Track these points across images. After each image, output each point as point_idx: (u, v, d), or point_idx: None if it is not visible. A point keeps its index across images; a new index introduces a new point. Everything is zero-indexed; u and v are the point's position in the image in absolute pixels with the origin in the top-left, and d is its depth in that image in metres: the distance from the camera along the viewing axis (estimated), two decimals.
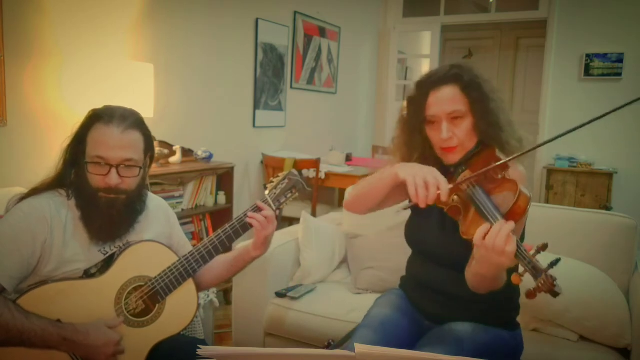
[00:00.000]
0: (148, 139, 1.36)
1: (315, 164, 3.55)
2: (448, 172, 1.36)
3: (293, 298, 2.10)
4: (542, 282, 0.96)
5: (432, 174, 1.22)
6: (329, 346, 1.58)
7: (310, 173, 3.66)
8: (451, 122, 1.32)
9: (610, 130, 4.63)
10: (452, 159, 1.35)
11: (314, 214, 3.44)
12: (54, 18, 2.36)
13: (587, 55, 4.66)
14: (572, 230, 2.05)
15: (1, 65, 2.17)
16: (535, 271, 0.98)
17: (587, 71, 4.68)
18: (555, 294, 0.97)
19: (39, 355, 1.21)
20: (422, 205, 1.19)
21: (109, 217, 1.30)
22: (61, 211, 1.30)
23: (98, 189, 1.28)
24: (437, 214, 1.39)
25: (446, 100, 1.32)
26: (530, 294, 0.99)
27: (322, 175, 3.71)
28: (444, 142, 1.33)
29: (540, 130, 4.98)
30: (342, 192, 3.93)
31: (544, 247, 1.00)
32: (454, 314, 1.41)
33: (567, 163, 4.66)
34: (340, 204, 4.21)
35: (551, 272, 0.98)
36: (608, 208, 4.39)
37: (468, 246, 1.19)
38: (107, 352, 1.23)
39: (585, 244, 2.01)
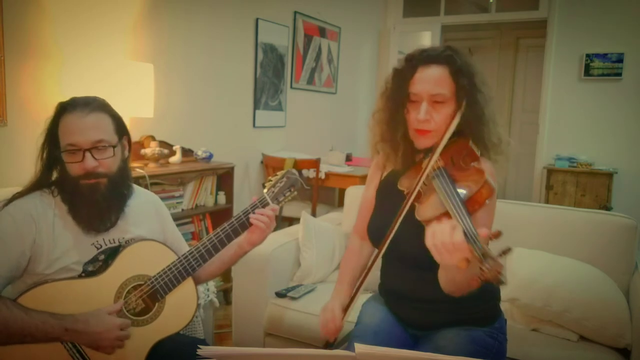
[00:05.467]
0: (117, 120, 1.36)
1: (315, 164, 3.55)
2: (415, 160, 1.36)
3: (293, 298, 2.10)
4: (488, 268, 0.92)
5: (331, 313, 1.46)
6: (329, 346, 1.58)
7: (310, 173, 3.66)
8: (432, 105, 1.28)
9: (610, 130, 4.64)
10: (424, 143, 1.32)
11: (314, 214, 3.44)
12: (54, 18, 2.36)
13: (587, 55, 4.66)
14: (572, 230, 2.05)
15: (1, 65, 2.17)
16: (483, 257, 0.94)
17: (587, 71, 4.68)
18: (499, 282, 0.92)
19: (39, 354, 1.22)
20: (330, 339, 1.41)
21: (95, 203, 1.30)
22: (47, 209, 1.31)
23: (78, 176, 1.29)
24: (403, 208, 1.32)
25: (432, 80, 1.27)
26: (474, 281, 0.95)
27: (322, 175, 3.71)
28: (419, 123, 1.29)
29: (540, 130, 4.98)
30: (342, 192, 3.93)
31: (497, 235, 0.96)
32: (431, 319, 1.39)
33: (567, 163, 4.66)
34: (340, 204, 4.21)
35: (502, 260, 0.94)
36: (608, 208, 4.39)
37: None
38: (110, 337, 1.23)
39: (585, 244, 2.01)
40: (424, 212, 1.15)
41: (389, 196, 1.43)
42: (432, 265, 1.27)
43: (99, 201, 1.31)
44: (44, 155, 1.33)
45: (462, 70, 1.28)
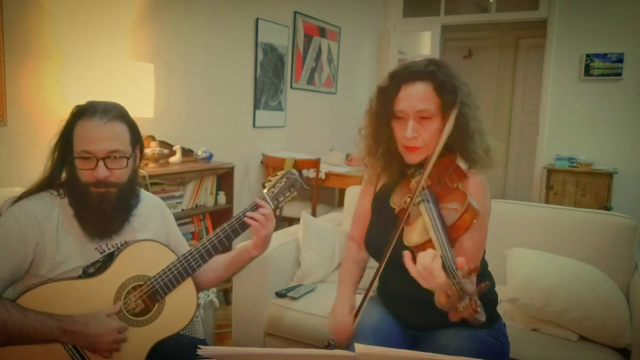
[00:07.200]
0: (134, 130, 1.36)
1: (315, 164, 3.55)
2: (406, 173, 1.36)
3: (293, 298, 2.10)
4: (465, 305, 0.91)
5: (340, 319, 1.43)
6: (329, 346, 1.58)
7: (310, 173, 3.66)
8: (419, 121, 1.29)
9: (610, 130, 4.63)
10: (413, 159, 1.33)
11: (314, 214, 3.44)
12: (54, 18, 2.36)
13: (587, 55, 4.66)
14: (572, 230, 2.05)
15: (1, 65, 2.17)
16: (462, 291, 0.93)
17: (587, 71, 4.67)
18: (475, 321, 0.92)
19: (38, 355, 1.21)
20: (343, 344, 1.36)
21: (102, 211, 1.30)
22: (53, 212, 1.30)
23: (88, 183, 1.28)
24: (397, 222, 1.31)
25: (417, 96, 1.28)
26: (453, 316, 0.95)
27: (322, 175, 3.71)
28: (407, 140, 1.30)
29: (540, 130, 4.98)
30: (342, 192, 3.93)
31: (474, 270, 0.95)
32: (431, 321, 1.39)
33: (567, 163, 4.66)
34: (340, 204, 4.21)
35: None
36: (608, 208, 4.39)
37: None
38: (108, 340, 1.23)
39: (585, 244, 2.01)
40: (410, 237, 1.16)
41: (383, 211, 1.45)
42: None
43: (106, 210, 1.30)
44: (56, 156, 1.33)
45: (445, 85, 1.29)
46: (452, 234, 1.09)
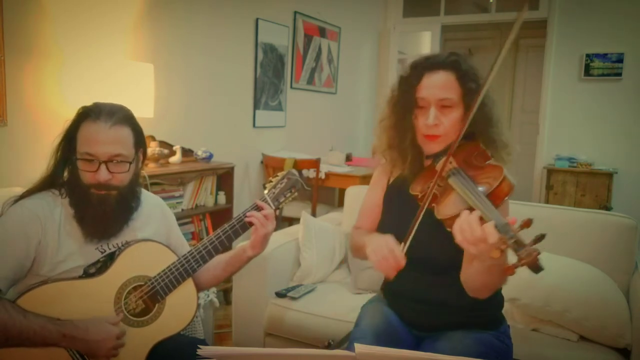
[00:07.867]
0: (138, 133, 1.35)
1: (315, 164, 3.55)
2: (423, 166, 1.35)
3: (293, 298, 2.10)
4: (525, 254, 0.92)
5: (386, 246, 1.21)
6: (329, 346, 1.58)
7: (310, 173, 3.66)
8: (440, 110, 1.28)
9: (610, 130, 4.64)
10: (433, 148, 1.32)
11: (314, 214, 3.44)
12: (54, 18, 2.36)
13: (587, 55, 4.66)
14: (572, 230, 2.05)
15: (1, 65, 2.17)
16: (518, 245, 0.94)
17: (587, 71, 4.68)
18: (538, 269, 0.92)
19: (38, 355, 1.21)
20: (391, 276, 1.21)
21: (102, 213, 1.30)
22: (55, 211, 1.30)
23: (89, 185, 1.28)
24: (416, 213, 1.26)
25: (439, 85, 1.28)
26: (509, 269, 0.95)
27: (322, 175, 3.71)
28: (428, 128, 1.29)
29: (540, 130, 4.98)
30: (342, 192, 3.93)
31: (527, 224, 0.96)
32: (437, 322, 1.39)
33: (567, 163, 4.66)
34: (340, 204, 4.21)
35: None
36: (608, 208, 4.39)
37: (450, 248, 1.15)
38: (107, 346, 1.23)
39: (585, 244, 2.01)
40: (443, 210, 1.14)
41: (398, 202, 1.43)
42: (444, 270, 1.28)
43: (106, 212, 1.30)
44: (59, 155, 1.33)
45: (468, 75, 1.29)
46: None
